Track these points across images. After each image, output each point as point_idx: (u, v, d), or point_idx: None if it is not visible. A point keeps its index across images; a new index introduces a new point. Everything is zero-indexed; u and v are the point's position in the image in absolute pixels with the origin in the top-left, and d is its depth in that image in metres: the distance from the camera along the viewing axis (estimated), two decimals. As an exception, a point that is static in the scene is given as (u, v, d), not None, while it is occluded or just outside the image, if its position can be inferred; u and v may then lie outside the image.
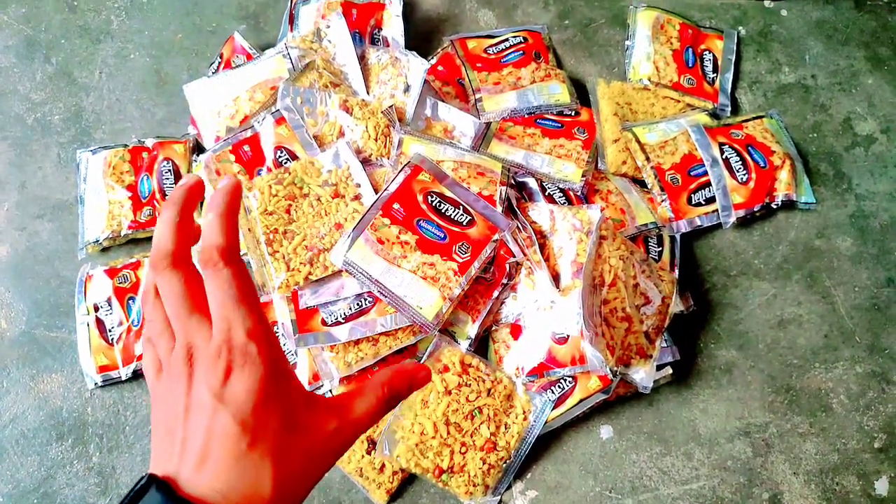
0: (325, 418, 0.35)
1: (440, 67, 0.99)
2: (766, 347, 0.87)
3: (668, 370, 0.82)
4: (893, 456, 0.82)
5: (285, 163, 0.87)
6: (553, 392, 0.80)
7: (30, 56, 1.05)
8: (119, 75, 1.03)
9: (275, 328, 0.85)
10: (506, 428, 0.79)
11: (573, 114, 0.95)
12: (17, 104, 1.02)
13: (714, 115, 0.97)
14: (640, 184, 0.93)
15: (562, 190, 0.88)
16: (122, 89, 1.03)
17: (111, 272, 0.88)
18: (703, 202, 0.89)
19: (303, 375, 0.82)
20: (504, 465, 0.78)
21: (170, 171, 0.92)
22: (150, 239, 0.92)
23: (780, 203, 0.91)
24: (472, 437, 0.77)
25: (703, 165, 0.90)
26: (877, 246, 0.91)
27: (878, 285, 0.89)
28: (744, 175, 0.90)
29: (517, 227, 0.82)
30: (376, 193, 0.83)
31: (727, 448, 0.82)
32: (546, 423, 0.79)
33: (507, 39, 1.01)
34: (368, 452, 0.79)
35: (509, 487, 0.81)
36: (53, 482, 0.83)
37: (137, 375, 0.85)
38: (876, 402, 0.84)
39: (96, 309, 0.86)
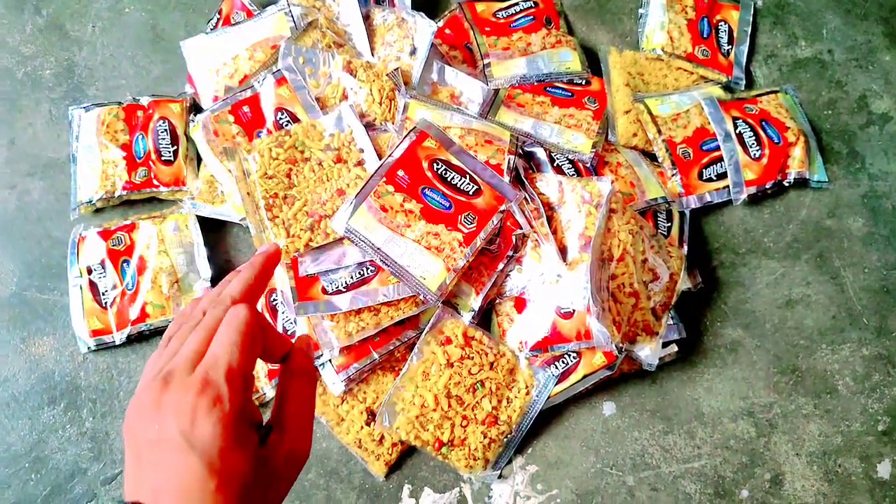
0: (279, 442, 0.36)
1: (447, 30, 0.96)
2: (773, 327, 0.86)
3: (674, 348, 0.81)
4: (897, 439, 0.81)
5: (286, 125, 0.84)
6: (557, 367, 0.79)
7: (19, 7, 1.00)
8: (113, 30, 0.99)
9: (273, 296, 0.83)
10: (508, 402, 0.77)
11: (584, 83, 0.92)
12: (5, 57, 0.98)
13: (728, 88, 0.95)
14: (651, 157, 0.91)
15: (571, 161, 0.85)
16: (117, 44, 0.99)
17: (105, 234, 0.85)
18: (715, 178, 0.87)
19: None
20: (505, 440, 0.77)
21: (166, 130, 0.88)
22: (145, 201, 0.89)
23: (792, 181, 0.89)
24: (473, 410, 0.76)
25: (716, 140, 0.88)
26: (888, 227, 0.90)
27: (888, 267, 0.88)
28: (757, 151, 0.87)
29: (525, 198, 0.80)
30: (380, 159, 0.80)
31: (730, 427, 0.82)
32: (549, 398, 0.78)
33: (517, 3, 0.97)
34: (368, 424, 0.78)
35: (510, 462, 0.80)
36: (45, 446, 0.82)
37: (132, 340, 0.83)
38: (881, 385, 0.83)
39: (89, 271, 0.84)
